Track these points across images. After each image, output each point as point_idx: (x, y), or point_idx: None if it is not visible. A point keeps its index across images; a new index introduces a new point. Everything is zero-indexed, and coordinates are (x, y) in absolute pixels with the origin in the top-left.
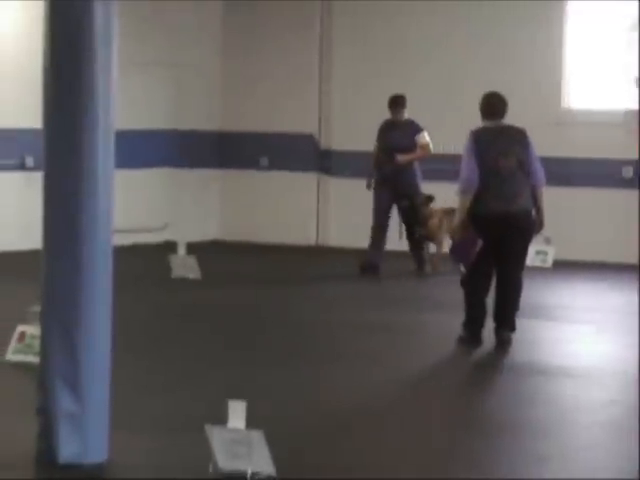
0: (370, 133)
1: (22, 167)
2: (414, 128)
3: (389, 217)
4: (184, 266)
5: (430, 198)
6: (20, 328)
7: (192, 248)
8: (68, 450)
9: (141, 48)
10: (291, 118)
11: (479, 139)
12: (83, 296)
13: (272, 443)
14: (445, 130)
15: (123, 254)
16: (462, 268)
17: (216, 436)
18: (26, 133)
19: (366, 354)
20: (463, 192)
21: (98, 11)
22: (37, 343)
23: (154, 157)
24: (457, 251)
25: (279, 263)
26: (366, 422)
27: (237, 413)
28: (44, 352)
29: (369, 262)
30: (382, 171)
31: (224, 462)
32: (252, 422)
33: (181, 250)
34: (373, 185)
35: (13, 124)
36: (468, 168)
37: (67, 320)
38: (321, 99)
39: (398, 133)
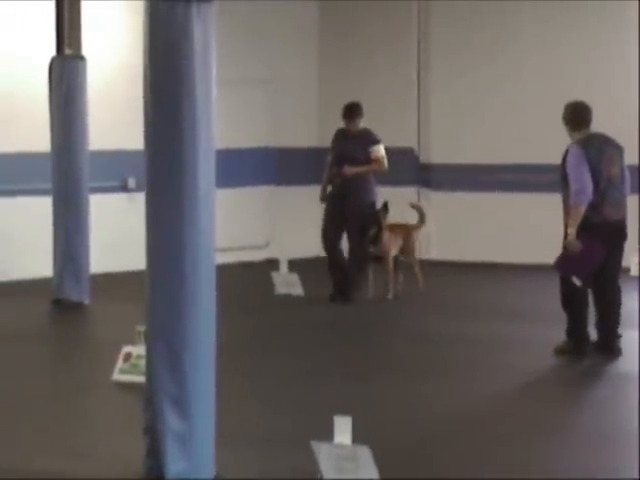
0: (471, 146)
1: (124, 188)
2: (369, 139)
3: (340, 234)
4: (286, 283)
5: (386, 208)
6: (126, 348)
7: (294, 265)
8: (176, 468)
9: (239, 66)
10: (390, 132)
11: (588, 149)
12: (188, 315)
13: (378, 458)
14: (548, 140)
15: (226, 272)
16: (576, 281)
17: (322, 452)
18: (128, 155)
19: (467, 365)
20: (580, 203)
21: (197, 31)
22: (143, 363)
23: (254, 175)
24: (572, 264)
25: (380, 277)
26: (472, 435)
27: (343, 428)
28: (150, 371)
29: (337, 289)
30: (334, 184)
31: (331, 478)
32: (357, 437)
33: (283, 267)
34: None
35: (115, 146)
36: (583, 179)
37: (172, 339)
38: (420, 112)
39: (351, 144)
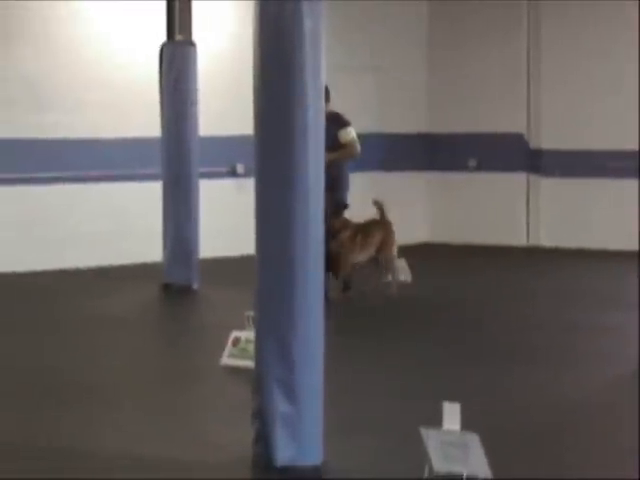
0: (582, 131)
1: (233, 174)
2: (337, 122)
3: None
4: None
5: (344, 206)
6: (235, 333)
7: (402, 250)
8: (285, 453)
9: (347, 52)
10: (499, 118)
11: None
12: (296, 300)
13: (487, 445)
14: None
15: None
16: None
17: (431, 438)
18: (236, 140)
19: (570, 353)
20: None
21: (307, 17)
22: (252, 347)
23: (361, 161)
24: None
25: (489, 264)
26: (579, 423)
27: (452, 415)
28: (259, 356)
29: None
30: None
31: (439, 464)
32: (466, 423)
33: None
34: None
35: (224, 132)
36: None
37: (281, 324)
38: (530, 97)
39: None
